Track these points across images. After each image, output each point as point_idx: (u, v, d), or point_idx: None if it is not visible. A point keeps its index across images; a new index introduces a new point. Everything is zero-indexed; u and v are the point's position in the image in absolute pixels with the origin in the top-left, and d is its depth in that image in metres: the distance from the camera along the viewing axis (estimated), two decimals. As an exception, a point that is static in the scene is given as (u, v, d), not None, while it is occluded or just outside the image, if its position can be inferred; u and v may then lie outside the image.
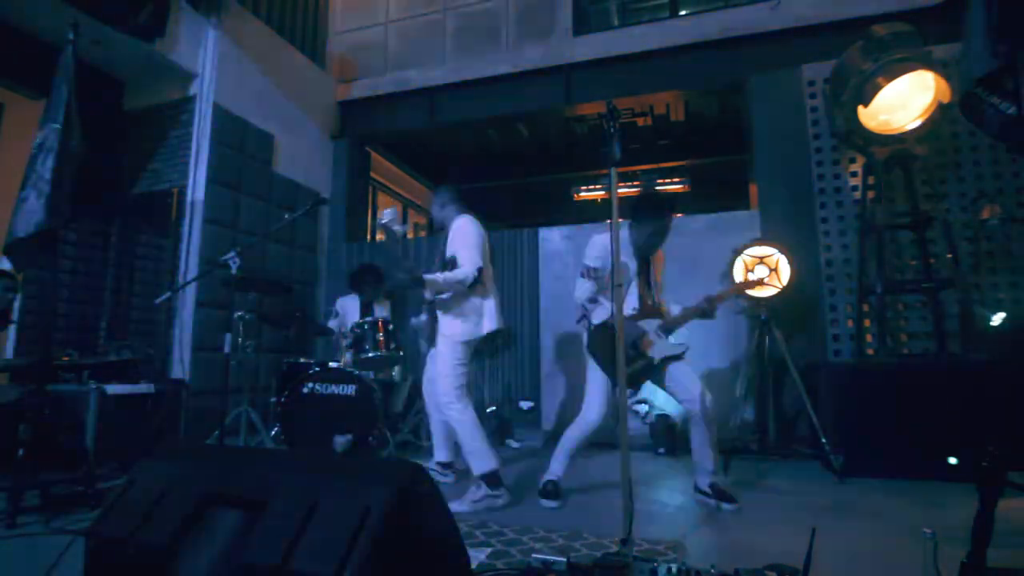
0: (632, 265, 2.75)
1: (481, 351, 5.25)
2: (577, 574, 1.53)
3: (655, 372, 2.68)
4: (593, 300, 2.73)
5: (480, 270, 2.72)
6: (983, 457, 1.27)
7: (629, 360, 2.59)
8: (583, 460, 3.44)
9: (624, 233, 2.77)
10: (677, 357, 2.67)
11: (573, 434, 2.72)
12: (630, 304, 2.72)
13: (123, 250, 4.53)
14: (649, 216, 2.72)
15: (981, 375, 3.09)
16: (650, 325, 2.71)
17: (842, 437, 3.22)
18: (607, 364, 2.59)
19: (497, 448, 4.31)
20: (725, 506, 2.52)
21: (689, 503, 2.65)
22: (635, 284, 2.74)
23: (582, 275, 2.73)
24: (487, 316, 2.80)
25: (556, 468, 2.73)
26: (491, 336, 2.85)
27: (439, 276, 2.69)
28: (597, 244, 2.73)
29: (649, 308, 2.75)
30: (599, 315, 2.69)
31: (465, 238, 2.76)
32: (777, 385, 4.09)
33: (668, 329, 2.73)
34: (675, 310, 2.80)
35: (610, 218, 1.97)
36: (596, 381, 2.68)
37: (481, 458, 2.61)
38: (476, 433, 2.64)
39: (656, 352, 2.66)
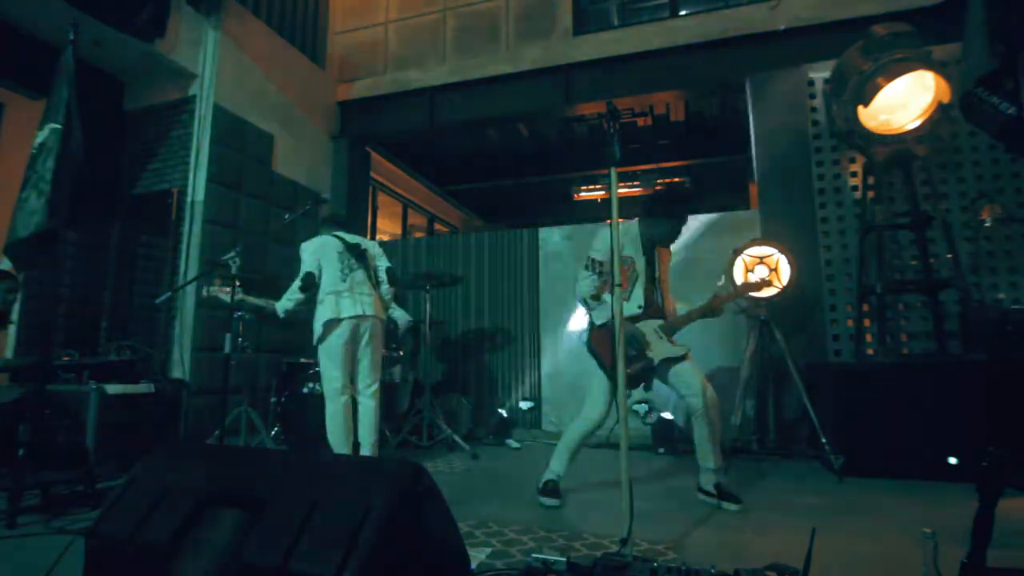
0: (639, 261, 2.69)
1: (470, 346, 5.25)
2: (577, 574, 1.52)
3: (656, 373, 2.66)
4: (596, 297, 2.66)
5: (307, 274, 3.13)
6: (983, 457, 1.27)
7: (629, 361, 2.55)
8: (583, 460, 3.44)
9: (633, 227, 2.73)
10: (679, 358, 2.64)
11: (574, 433, 2.70)
12: (635, 303, 2.67)
13: (123, 250, 4.52)
14: (667, 214, 2.66)
15: (981, 375, 3.09)
16: (651, 325, 2.67)
17: (842, 437, 3.22)
18: (608, 366, 2.57)
19: (496, 448, 4.31)
20: (728, 506, 2.49)
21: (689, 503, 2.64)
22: (641, 281, 2.69)
23: (586, 268, 2.66)
24: (329, 309, 3.09)
25: (556, 467, 2.72)
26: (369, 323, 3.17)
27: (280, 301, 3.23)
28: (606, 237, 2.61)
29: (654, 307, 2.71)
30: (601, 314, 2.63)
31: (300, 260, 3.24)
32: (777, 385, 4.09)
33: (671, 330, 2.70)
34: (681, 309, 2.76)
35: (610, 218, 1.97)
36: (598, 380, 2.65)
37: (334, 443, 3.06)
38: (332, 426, 3.06)
39: (656, 353, 2.63)
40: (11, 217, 2.56)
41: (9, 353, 3.87)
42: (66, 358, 3.13)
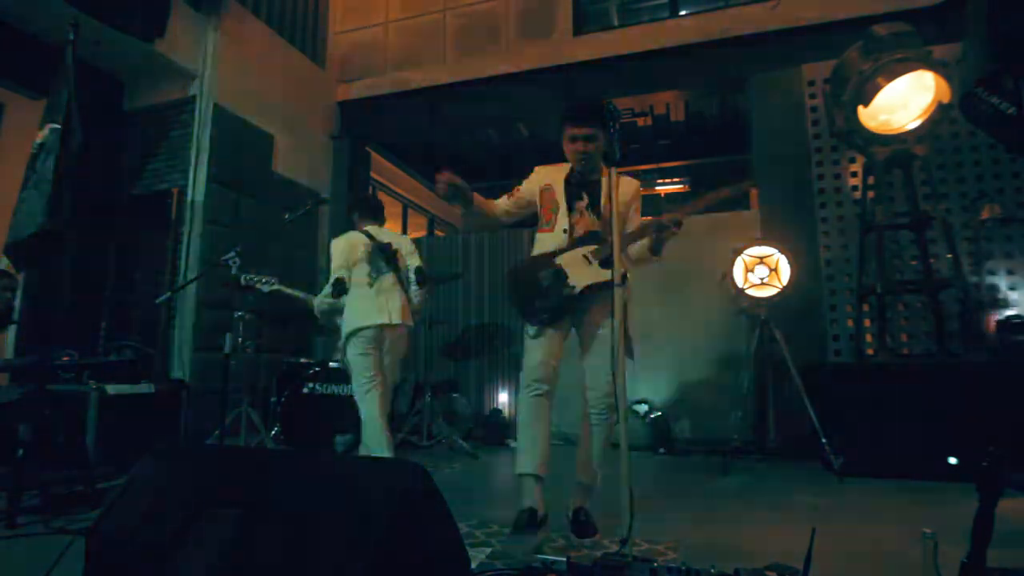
0: (558, 187, 2.34)
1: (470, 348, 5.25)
2: (577, 574, 1.53)
3: (578, 309, 2.24)
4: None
5: (338, 280, 3.03)
6: (983, 457, 1.27)
7: (543, 292, 2.22)
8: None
9: (547, 168, 2.45)
10: (605, 288, 2.04)
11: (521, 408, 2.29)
12: (560, 226, 2.29)
13: (123, 250, 4.52)
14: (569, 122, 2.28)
15: (981, 375, 3.09)
16: (580, 252, 2.25)
17: (842, 437, 3.22)
18: (518, 305, 2.34)
19: (496, 448, 4.32)
20: (579, 541, 2.07)
21: (689, 503, 2.64)
22: (564, 211, 2.31)
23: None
24: (355, 315, 2.99)
25: (524, 464, 2.21)
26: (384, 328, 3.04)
27: (315, 300, 3.23)
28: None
29: (586, 232, 2.28)
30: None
31: (331, 259, 3.14)
32: (777, 385, 4.09)
33: (604, 259, 2.18)
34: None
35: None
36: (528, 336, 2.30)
37: (376, 447, 2.86)
38: (371, 432, 2.88)
39: (578, 280, 2.18)
40: (11, 217, 2.56)
41: (9, 353, 3.87)
42: (66, 358, 3.12)
